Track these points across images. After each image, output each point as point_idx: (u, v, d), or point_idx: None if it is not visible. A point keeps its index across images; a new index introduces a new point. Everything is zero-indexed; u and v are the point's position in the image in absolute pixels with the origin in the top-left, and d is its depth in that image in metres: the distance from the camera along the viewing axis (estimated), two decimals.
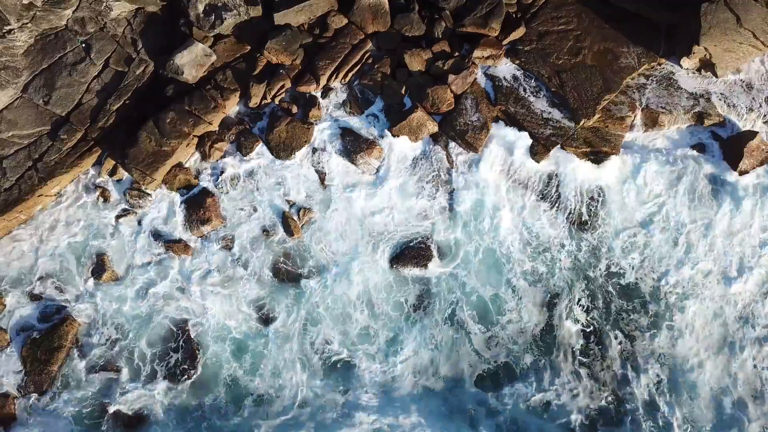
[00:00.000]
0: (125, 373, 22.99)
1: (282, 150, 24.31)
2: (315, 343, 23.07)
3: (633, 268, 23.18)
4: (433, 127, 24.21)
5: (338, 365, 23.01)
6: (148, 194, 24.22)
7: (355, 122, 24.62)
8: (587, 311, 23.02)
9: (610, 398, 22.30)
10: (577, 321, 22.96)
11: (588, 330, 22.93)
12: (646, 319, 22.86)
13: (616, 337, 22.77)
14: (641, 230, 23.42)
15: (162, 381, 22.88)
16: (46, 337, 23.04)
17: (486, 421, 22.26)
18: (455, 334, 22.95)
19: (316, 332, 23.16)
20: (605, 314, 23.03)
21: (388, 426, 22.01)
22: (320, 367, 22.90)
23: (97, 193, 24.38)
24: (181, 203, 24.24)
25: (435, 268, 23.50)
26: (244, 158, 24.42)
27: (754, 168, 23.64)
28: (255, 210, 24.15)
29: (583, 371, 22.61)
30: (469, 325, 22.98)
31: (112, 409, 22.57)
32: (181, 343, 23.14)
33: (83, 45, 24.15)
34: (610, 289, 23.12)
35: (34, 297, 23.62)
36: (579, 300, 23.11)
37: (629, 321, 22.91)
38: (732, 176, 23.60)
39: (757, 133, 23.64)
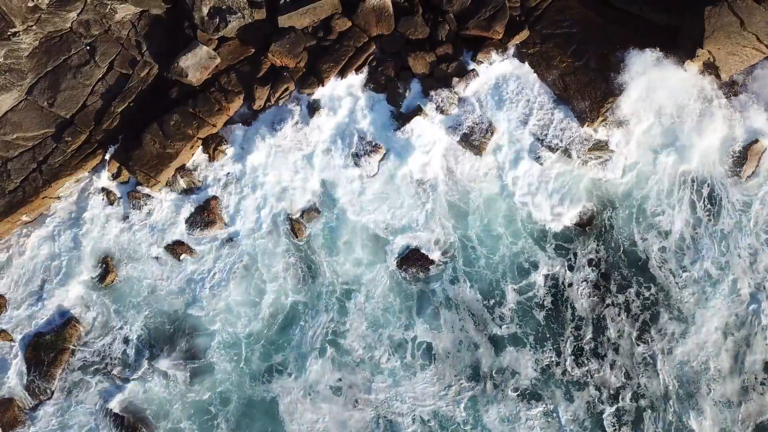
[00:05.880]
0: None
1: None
2: None
3: None
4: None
5: None
6: (152, 196, 24.22)
7: (359, 124, 24.61)
8: None
9: None
10: None
11: None
12: None
13: None
14: None
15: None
16: (51, 339, 23.08)
17: None
18: None
19: None
20: None
21: None
22: None
23: (101, 195, 24.36)
24: (184, 205, 24.24)
25: None
26: (248, 160, 24.43)
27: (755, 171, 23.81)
28: (258, 211, 24.17)
29: None
30: None
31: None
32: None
33: (88, 47, 24.20)
34: None
35: (37, 298, 23.62)
36: None
37: None
38: None
39: (760, 134, 23.74)
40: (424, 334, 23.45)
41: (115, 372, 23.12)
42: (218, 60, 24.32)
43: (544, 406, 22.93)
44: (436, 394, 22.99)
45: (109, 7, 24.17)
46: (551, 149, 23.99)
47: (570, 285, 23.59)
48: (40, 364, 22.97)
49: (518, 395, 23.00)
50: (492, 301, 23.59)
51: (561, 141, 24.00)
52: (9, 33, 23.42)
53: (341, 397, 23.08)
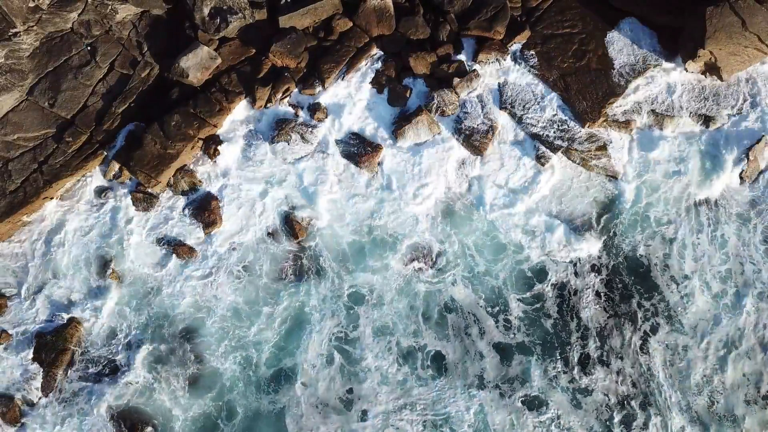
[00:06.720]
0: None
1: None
2: None
3: None
4: (437, 130, 24.28)
5: None
6: (153, 197, 24.21)
7: (360, 125, 24.61)
8: None
9: None
10: None
11: None
12: None
13: None
14: None
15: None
16: (52, 339, 23.06)
17: None
18: None
19: None
20: None
21: None
22: None
23: (102, 195, 24.35)
24: (185, 206, 24.25)
25: None
26: (249, 161, 24.41)
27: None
28: (260, 213, 24.15)
29: None
30: None
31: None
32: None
33: (88, 48, 24.21)
34: None
35: (38, 299, 23.58)
36: None
37: None
38: None
39: (763, 135, 23.66)
40: (432, 342, 23.34)
41: (115, 374, 23.12)
42: (219, 60, 24.32)
43: (552, 412, 22.87)
44: (446, 401, 22.92)
45: (110, 7, 24.18)
46: (553, 150, 23.96)
47: (576, 293, 23.56)
48: (40, 364, 22.97)
49: (524, 402, 22.93)
50: (497, 309, 23.56)
51: (562, 142, 23.97)
52: (10, 33, 23.43)
53: (350, 407, 22.97)
